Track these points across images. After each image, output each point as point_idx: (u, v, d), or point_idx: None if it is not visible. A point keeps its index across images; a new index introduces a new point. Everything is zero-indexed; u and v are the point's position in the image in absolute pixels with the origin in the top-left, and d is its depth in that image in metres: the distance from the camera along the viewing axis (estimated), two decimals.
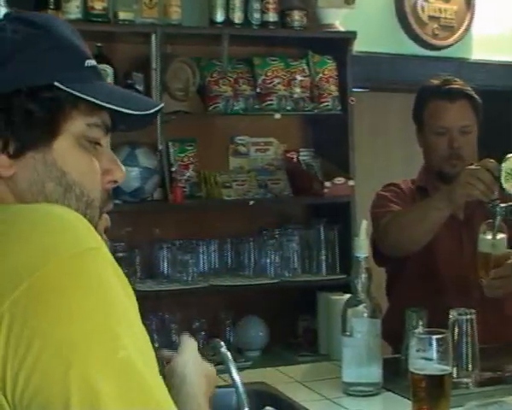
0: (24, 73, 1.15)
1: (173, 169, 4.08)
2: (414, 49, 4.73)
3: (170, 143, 4.11)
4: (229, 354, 1.62)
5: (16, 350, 0.94)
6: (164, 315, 3.97)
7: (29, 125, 1.14)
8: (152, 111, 1.23)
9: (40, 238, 1.01)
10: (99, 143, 1.21)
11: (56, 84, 1.15)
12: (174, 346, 3.78)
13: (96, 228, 1.12)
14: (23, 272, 0.97)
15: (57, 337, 0.95)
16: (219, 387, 1.51)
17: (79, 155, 1.18)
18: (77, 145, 1.18)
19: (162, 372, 1.06)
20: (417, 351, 2.02)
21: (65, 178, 1.16)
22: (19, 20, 1.20)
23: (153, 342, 1.04)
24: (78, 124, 1.17)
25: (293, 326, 4.29)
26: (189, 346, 1.47)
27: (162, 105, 1.28)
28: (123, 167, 1.25)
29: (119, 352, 0.97)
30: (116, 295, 1.01)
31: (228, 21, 4.07)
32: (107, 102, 1.18)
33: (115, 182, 1.24)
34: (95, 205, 1.20)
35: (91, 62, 1.22)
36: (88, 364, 0.95)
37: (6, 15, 1.23)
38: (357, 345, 2.32)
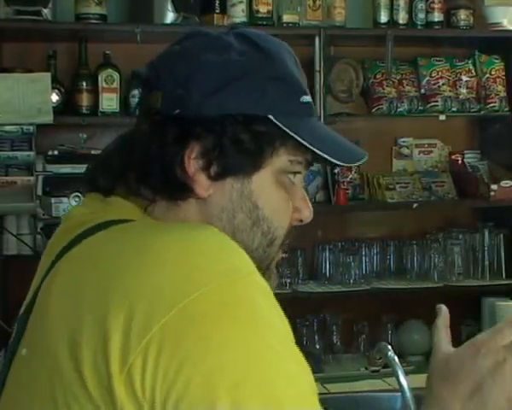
0: (242, 99, 1.12)
1: (336, 171, 4.08)
2: None
3: None
4: (396, 358, 1.60)
5: (166, 374, 0.93)
6: (325, 316, 3.98)
7: (236, 152, 1.12)
8: (356, 164, 1.18)
9: (191, 263, 0.99)
10: (298, 172, 1.18)
11: (270, 117, 1.12)
12: (335, 349, 3.81)
13: (270, 263, 1.13)
14: (173, 296, 0.96)
15: (208, 365, 0.93)
16: (383, 391, 1.49)
17: (275, 192, 1.16)
18: (275, 181, 1.15)
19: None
20: None
21: (256, 212, 1.15)
22: (244, 37, 1.16)
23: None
24: (281, 159, 1.15)
25: (457, 332, 4.18)
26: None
27: (366, 158, 1.19)
28: (311, 206, 1.22)
29: (270, 382, 0.94)
30: (268, 323, 0.98)
31: (392, 22, 4.04)
32: (319, 149, 1.14)
33: (301, 221, 1.22)
34: (276, 243, 1.18)
35: (307, 98, 1.17)
36: (238, 394, 0.92)
37: (232, 29, 1.20)
38: None
